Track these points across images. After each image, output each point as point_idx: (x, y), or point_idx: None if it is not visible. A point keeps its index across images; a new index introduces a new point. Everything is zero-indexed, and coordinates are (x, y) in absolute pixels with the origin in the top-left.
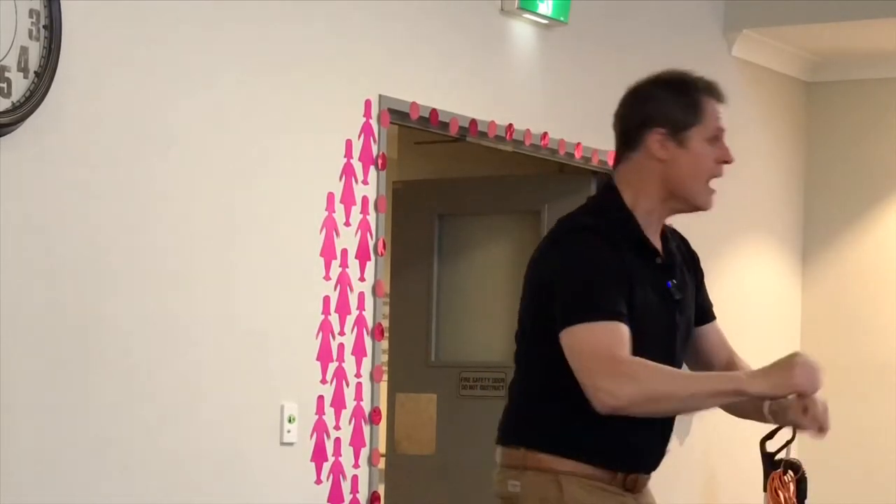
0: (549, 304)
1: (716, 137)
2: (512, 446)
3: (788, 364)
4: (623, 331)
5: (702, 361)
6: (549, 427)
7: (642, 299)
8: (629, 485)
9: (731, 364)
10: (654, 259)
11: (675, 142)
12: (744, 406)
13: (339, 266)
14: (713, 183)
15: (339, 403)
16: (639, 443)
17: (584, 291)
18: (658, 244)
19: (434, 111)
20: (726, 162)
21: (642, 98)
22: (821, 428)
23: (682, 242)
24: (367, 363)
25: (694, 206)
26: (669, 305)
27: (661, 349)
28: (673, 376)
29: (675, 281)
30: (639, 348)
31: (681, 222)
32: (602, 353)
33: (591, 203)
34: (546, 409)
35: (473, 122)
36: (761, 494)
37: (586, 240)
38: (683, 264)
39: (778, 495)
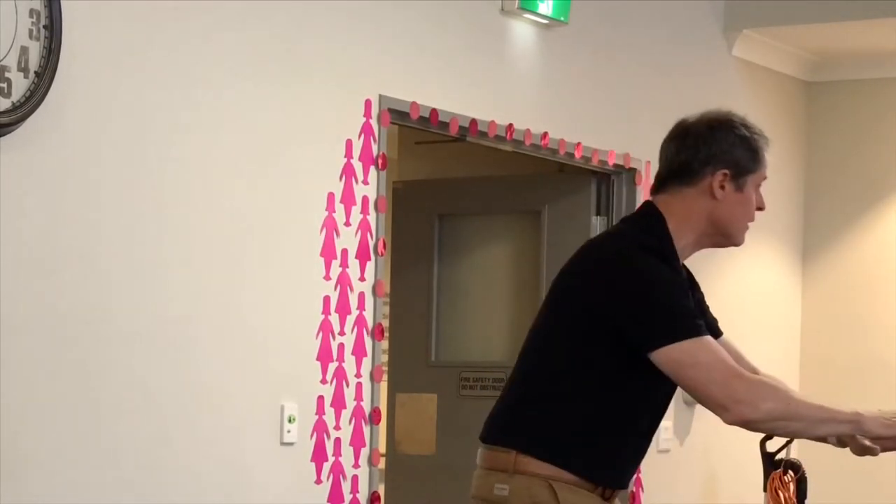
0: (610, 321)
1: (761, 184)
2: (501, 448)
3: None
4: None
5: None
6: (545, 435)
7: None
8: (607, 495)
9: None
10: None
11: (735, 185)
12: None
13: (340, 266)
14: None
15: (339, 403)
16: (623, 462)
17: (680, 309)
18: None
19: (434, 111)
20: (761, 209)
21: (711, 137)
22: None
23: (687, 271)
24: (367, 363)
25: (732, 243)
26: None
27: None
28: (807, 400)
29: None
30: (660, 379)
31: None
32: (727, 368)
33: (641, 224)
34: (545, 418)
35: (473, 121)
36: (761, 494)
37: (655, 262)
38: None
39: (778, 495)
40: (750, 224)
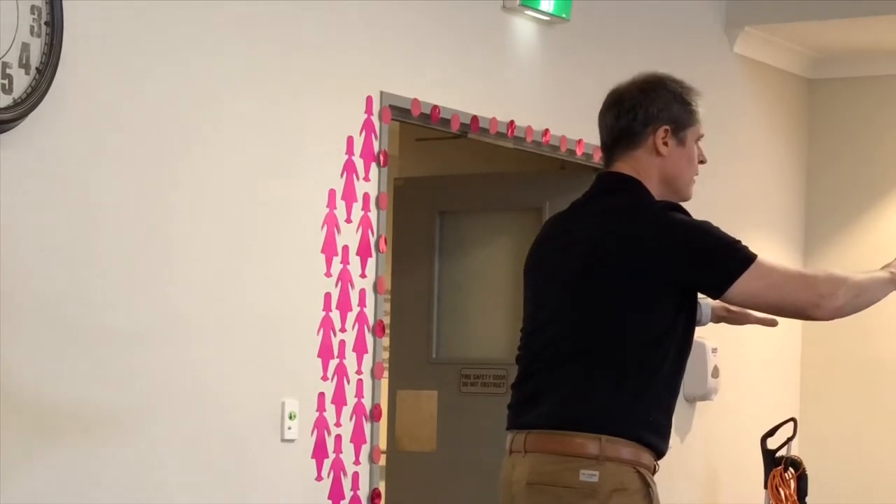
0: (673, 279)
1: (699, 139)
2: (580, 434)
3: None
4: None
5: None
6: (625, 417)
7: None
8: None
9: None
10: None
11: (676, 139)
12: None
13: (341, 263)
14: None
15: (339, 400)
16: (669, 428)
17: (732, 241)
18: None
19: (435, 108)
20: (703, 161)
21: (646, 99)
22: None
23: None
24: (367, 360)
25: (683, 197)
26: None
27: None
28: (855, 273)
29: None
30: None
31: None
32: (799, 273)
33: (639, 190)
34: (622, 399)
35: (475, 118)
36: (762, 491)
37: (683, 213)
38: None
39: (778, 492)
40: (696, 178)
